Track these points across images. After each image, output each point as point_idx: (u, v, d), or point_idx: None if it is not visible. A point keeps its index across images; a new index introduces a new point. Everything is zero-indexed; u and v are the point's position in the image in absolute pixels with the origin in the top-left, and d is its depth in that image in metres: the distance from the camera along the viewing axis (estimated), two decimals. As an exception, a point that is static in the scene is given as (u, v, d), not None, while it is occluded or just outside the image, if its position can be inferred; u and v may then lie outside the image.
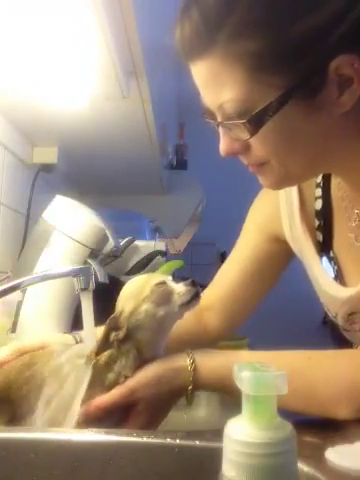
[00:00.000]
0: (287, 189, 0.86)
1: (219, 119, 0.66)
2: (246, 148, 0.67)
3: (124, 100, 1.31)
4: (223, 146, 0.68)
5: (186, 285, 0.68)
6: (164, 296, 0.68)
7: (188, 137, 2.89)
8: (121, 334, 0.67)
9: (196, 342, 0.91)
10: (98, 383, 0.67)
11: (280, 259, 0.94)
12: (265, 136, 0.64)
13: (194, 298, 0.68)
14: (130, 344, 0.67)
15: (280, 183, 0.72)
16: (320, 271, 0.82)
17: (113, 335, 0.67)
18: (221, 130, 0.68)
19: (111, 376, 0.67)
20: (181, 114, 2.86)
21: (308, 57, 0.60)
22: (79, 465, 0.56)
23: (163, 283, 0.68)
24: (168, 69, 2.12)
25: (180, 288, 0.68)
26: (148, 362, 0.68)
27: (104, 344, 0.67)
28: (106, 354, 0.68)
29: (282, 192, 0.88)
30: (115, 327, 0.67)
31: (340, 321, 0.82)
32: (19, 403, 0.69)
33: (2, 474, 0.57)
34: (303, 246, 0.85)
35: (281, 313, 3.28)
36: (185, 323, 0.78)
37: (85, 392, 0.66)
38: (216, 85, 0.64)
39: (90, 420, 0.64)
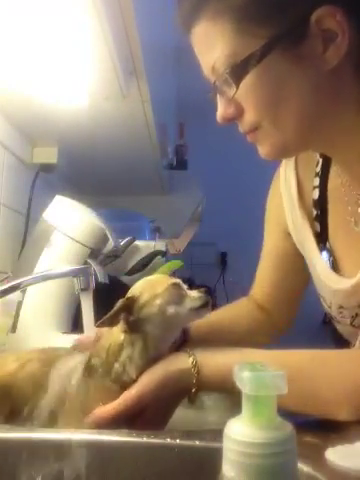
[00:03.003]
0: (287, 181, 0.87)
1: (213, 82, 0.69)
2: (240, 112, 0.69)
3: (124, 100, 1.31)
4: (219, 112, 0.70)
5: (199, 292, 0.71)
6: (177, 297, 0.70)
7: (188, 137, 2.89)
8: (131, 318, 0.68)
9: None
10: (104, 374, 0.67)
11: (300, 255, 0.92)
12: (252, 89, 0.66)
13: (205, 305, 0.71)
14: (136, 336, 0.68)
15: (276, 150, 0.71)
16: (319, 259, 0.83)
17: (123, 315, 0.68)
18: (218, 97, 0.70)
19: (117, 367, 0.67)
20: (181, 114, 2.86)
21: (290, 8, 0.62)
22: (79, 465, 0.56)
23: (178, 285, 0.71)
24: (168, 69, 2.13)
25: (193, 293, 0.71)
26: (152, 362, 0.68)
27: (111, 320, 0.68)
28: (111, 341, 0.68)
29: (283, 185, 0.88)
30: (128, 309, 0.68)
31: (333, 312, 0.83)
32: (20, 400, 0.69)
33: (1, 474, 0.57)
34: (303, 236, 0.86)
35: (281, 313, 3.28)
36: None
37: (92, 387, 0.67)
38: (209, 46, 0.67)
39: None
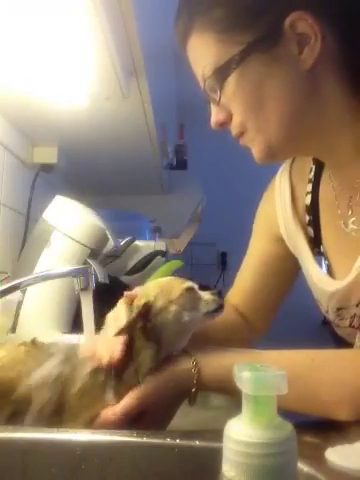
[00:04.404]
0: (282, 188, 0.88)
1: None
2: (230, 117, 0.73)
3: (124, 100, 1.31)
4: (211, 118, 0.75)
5: (213, 295, 0.70)
6: (192, 302, 0.68)
7: (188, 137, 2.89)
8: (149, 325, 0.66)
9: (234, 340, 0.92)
10: (116, 379, 0.66)
11: (289, 259, 0.92)
12: (234, 92, 0.70)
13: (219, 308, 0.70)
14: (151, 342, 0.67)
15: (263, 154, 0.73)
16: (313, 265, 0.83)
17: (141, 323, 0.66)
18: (211, 106, 0.74)
19: (131, 370, 0.66)
20: (181, 114, 2.86)
21: (264, 15, 0.68)
22: (79, 465, 0.56)
23: (192, 289, 0.69)
24: (168, 69, 2.13)
25: (207, 296, 0.69)
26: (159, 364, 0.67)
27: (130, 327, 0.66)
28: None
29: (277, 192, 0.89)
30: (145, 316, 0.67)
31: (331, 316, 0.83)
32: (21, 401, 0.69)
33: (1, 474, 0.57)
34: (297, 241, 0.86)
35: (281, 313, 3.28)
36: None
37: (97, 390, 0.66)
38: (199, 58, 0.73)
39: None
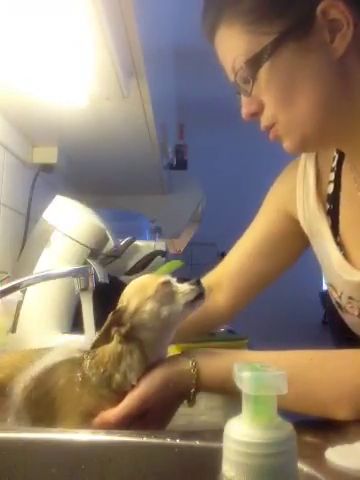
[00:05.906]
0: (306, 173, 0.88)
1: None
2: (261, 108, 0.73)
3: (124, 100, 1.31)
4: (243, 109, 0.75)
5: (190, 284, 0.68)
6: (169, 295, 0.67)
7: (188, 137, 2.89)
8: (123, 330, 0.66)
9: (206, 321, 0.95)
10: (104, 384, 0.66)
11: (294, 240, 0.93)
12: (267, 82, 0.70)
13: (198, 297, 0.68)
14: (133, 344, 0.67)
15: (295, 144, 0.74)
16: (335, 251, 0.83)
17: (114, 330, 0.66)
18: (242, 97, 0.75)
19: (118, 377, 0.66)
20: (181, 114, 2.87)
21: (296, 4, 0.68)
22: (79, 465, 0.56)
23: (168, 282, 0.68)
24: (168, 69, 2.13)
25: (184, 287, 0.68)
26: (152, 365, 0.67)
27: (104, 337, 0.66)
28: (109, 352, 0.67)
29: (300, 175, 0.89)
30: (118, 322, 0.66)
31: (343, 301, 0.83)
32: (11, 398, 0.69)
33: (1, 474, 0.57)
34: (318, 227, 0.86)
35: (281, 313, 3.28)
36: None
37: (91, 395, 0.66)
38: (228, 49, 0.73)
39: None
